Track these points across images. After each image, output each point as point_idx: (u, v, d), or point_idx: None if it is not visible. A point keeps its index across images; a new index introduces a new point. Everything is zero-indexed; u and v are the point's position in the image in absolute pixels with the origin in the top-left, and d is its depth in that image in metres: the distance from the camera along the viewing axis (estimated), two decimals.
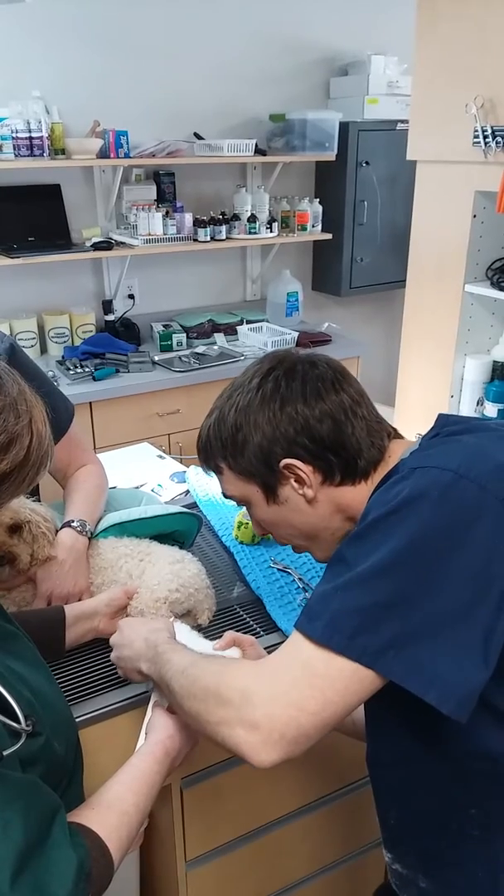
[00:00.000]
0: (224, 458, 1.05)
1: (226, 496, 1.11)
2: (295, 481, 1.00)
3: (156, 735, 1.02)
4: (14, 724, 0.77)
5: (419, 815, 0.99)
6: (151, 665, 1.04)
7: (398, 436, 1.05)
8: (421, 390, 2.77)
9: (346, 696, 0.80)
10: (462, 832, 0.94)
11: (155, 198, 3.36)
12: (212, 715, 0.87)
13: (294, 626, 0.85)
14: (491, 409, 2.59)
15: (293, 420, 0.98)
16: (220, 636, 1.29)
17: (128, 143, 3.06)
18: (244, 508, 1.66)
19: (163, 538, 1.48)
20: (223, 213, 3.41)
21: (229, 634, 1.16)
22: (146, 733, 1.04)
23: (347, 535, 1.01)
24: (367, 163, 3.63)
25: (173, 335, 3.38)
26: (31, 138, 2.85)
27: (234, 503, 1.12)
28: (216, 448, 1.05)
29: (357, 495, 0.99)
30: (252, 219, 3.43)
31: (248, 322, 3.58)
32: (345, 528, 1.03)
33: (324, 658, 0.80)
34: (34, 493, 1.62)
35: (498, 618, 0.78)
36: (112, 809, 0.88)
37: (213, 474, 1.11)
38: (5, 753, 0.74)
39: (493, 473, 0.81)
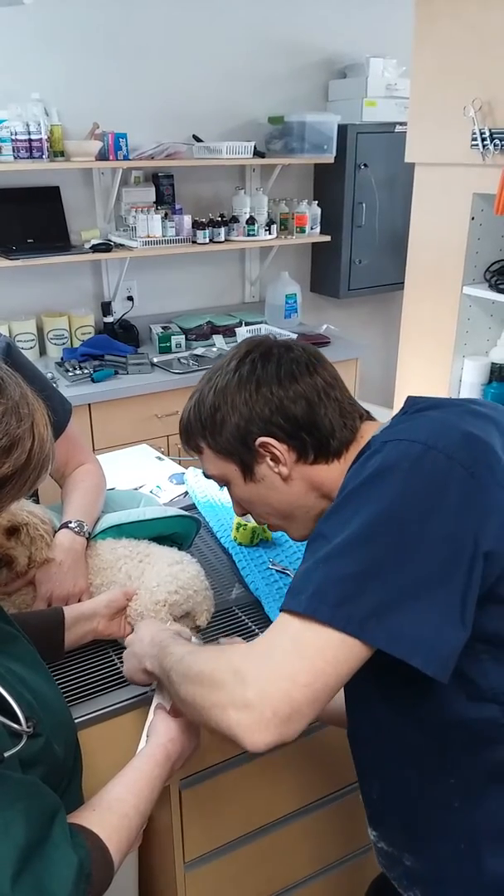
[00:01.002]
0: (203, 438, 1.09)
1: (206, 475, 1.15)
2: (270, 460, 1.05)
3: (157, 738, 1.02)
4: (15, 726, 0.77)
5: (400, 788, 1.00)
6: (154, 660, 1.05)
7: (370, 418, 1.10)
8: (419, 392, 2.77)
9: (336, 665, 0.81)
10: (443, 803, 0.95)
11: (154, 200, 3.37)
12: (206, 699, 0.88)
13: (280, 608, 0.86)
14: None
15: (268, 400, 1.02)
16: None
17: (127, 146, 3.07)
18: None
19: (161, 539, 1.48)
20: (222, 216, 3.42)
21: None
22: (147, 736, 1.04)
23: (322, 514, 1.03)
24: (365, 165, 3.63)
25: (172, 337, 3.39)
26: (30, 140, 2.85)
27: (216, 483, 1.15)
28: (196, 428, 1.10)
29: (330, 474, 1.04)
30: (251, 221, 3.43)
31: (247, 324, 3.59)
32: (319, 507, 1.07)
33: (311, 629, 0.81)
34: (33, 495, 1.62)
35: (470, 579, 0.81)
36: (112, 811, 0.88)
37: (194, 455, 1.15)
38: (6, 755, 0.74)
39: (458, 444, 0.85)
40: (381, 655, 0.80)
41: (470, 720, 0.89)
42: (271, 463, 1.05)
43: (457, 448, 0.85)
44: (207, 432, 1.08)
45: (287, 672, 0.81)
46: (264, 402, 1.02)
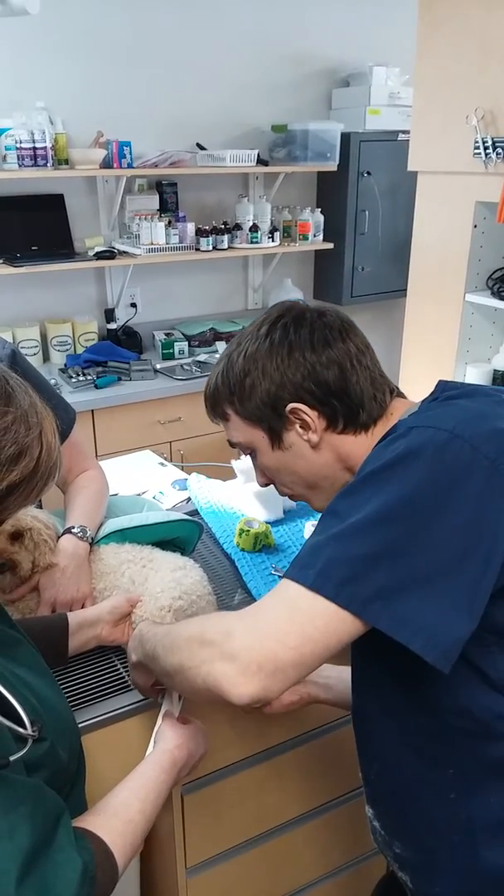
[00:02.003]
0: (231, 404, 1.07)
1: (231, 444, 1.13)
2: (300, 426, 1.03)
3: (164, 744, 1.02)
4: (20, 730, 0.77)
5: (398, 772, 1.00)
6: (138, 649, 1.06)
7: (401, 395, 1.08)
8: (422, 398, 2.78)
9: (326, 633, 0.81)
10: (440, 794, 0.95)
11: (157, 207, 3.38)
12: (194, 658, 0.89)
13: (283, 575, 0.87)
14: None
15: (300, 366, 1.01)
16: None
17: (131, 154, 3.08)
18: (245, 516, 1.68)
19: (164, 544, 1.49)
20: (225, 223, 3.43)
21: None
22: (155, 742, 1.05)
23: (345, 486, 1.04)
24: (368, 173, 3.65)
25: (175, 343, 3.40)
26: (34, 149, 2.87)
27: (240, 451, 1.14)
28: (224, 394, 1.08)
29: (357, 446, 1.03)
30: (254, 228, 3.45)
31: None
32: (343, 479, 1.06)
33: (309, 598, 0.82)
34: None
35: (484, 573, 0.81)
36: (118, 816, 0.88)
37: (219, 422, 1.13)
38: (11, 759, 0.75)
39: (486, 435, 0.84)
40: (389, 639, 0.80)
41: (476, 709, 0.89)
42: (300, 430, 1.03)
43: (483, 439, 0.84)
44: (236, 398, 1.06)
45: (276, 633, 0.82)
46: (296, 368, 1.00)
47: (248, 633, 0.84)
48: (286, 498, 1.22)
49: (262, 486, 1.16)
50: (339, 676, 1.22)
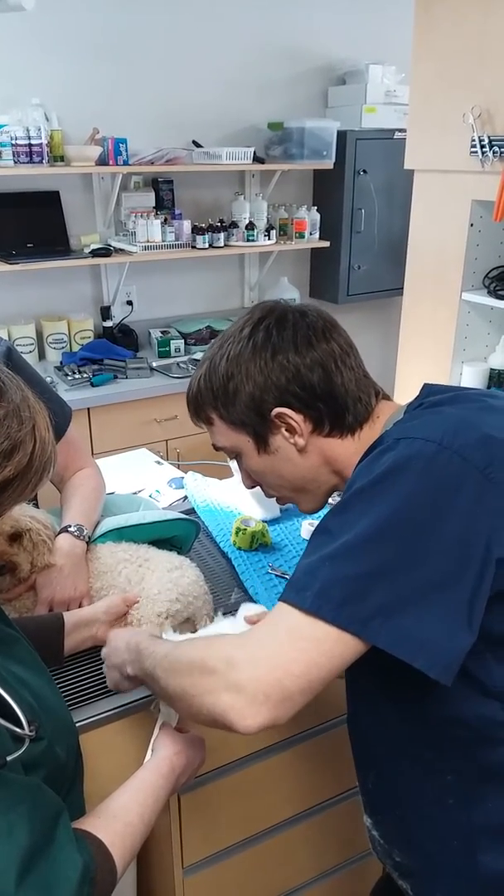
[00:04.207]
0: (215, 409, 1.06)
1: (216, 448, 1.12)
2: (286, 430, 1.02)
3: (163, 750, 1.03)
4: (17, 730, 0.77)
5: (395, 780, 1.00)
6: (135, 664, 1.05)
7: (386, 397, 1.07)
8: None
9: (331, 658, 0.81)
10: (438, 801, 0.95)
11: (153, 205, 3.38)
12: (197, 687, 0.88)
13: (279, 598, 0.86)
14: None
15: (285, 368, 0.99)
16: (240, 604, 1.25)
17: (126, 151, 3.08)
18: (241, 515, 1.68)
19: (160, 543, 1.48)
20: (221, 221, 3.43)
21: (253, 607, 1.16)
22: (153, 750, 1.04)
23: (333, 489, 1.05)
24: (364, 171, 3.64)
25: (171, 341, 3.39)
26: (30, 145, 2.86)
27: (227, 455, 1.13)
28: (207, 398, 1.06)
29: (344, 449, 1.02)
30: (250, 226, 3.44)
31: None
32: (331, 482, 1.06)
33: (310, 623, 0.81)
34: (32, 499, 1.62)
35: (480, 584, 0.80)
36: (117, 818, 0.88)
37: (203, 426, 1.11)
38: (8, 759, 0.74)
39: (474, 444, 0.84)
40: (386, 654, 0.80)
41: (471, 717, 0.89)
42: (286, 434, 1.02)
43: (472, 449, 0.83)
44: (220, 403, 1.04)
45: (281, 661, 0.82)
46: (280, 371, 0.99)
47: (251, 664, 0.83)
48: None
49: (248, 488, 1.16)
50: None
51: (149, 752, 1.05)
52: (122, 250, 3.23)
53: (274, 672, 0.81)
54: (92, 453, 2.75)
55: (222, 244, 3.39)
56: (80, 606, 1.32)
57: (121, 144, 3.05)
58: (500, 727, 0.89)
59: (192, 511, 1.80)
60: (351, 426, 1.02)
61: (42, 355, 3.33)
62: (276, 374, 0.99)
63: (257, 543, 1.60)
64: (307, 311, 1.04)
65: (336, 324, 1.05)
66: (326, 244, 3.71)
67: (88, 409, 2.93)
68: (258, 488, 1.15)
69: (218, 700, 0.84)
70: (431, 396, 0.98)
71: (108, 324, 3.44)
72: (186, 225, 3.28)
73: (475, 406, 0.94)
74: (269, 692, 0.81)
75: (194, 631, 1.31)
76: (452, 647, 0.79)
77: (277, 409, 1.00)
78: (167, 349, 3.38)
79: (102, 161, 3.06)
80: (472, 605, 0.80)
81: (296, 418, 1.00)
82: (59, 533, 1.39)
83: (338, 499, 0.92)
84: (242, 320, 1.05)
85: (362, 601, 0.80)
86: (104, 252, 3.16)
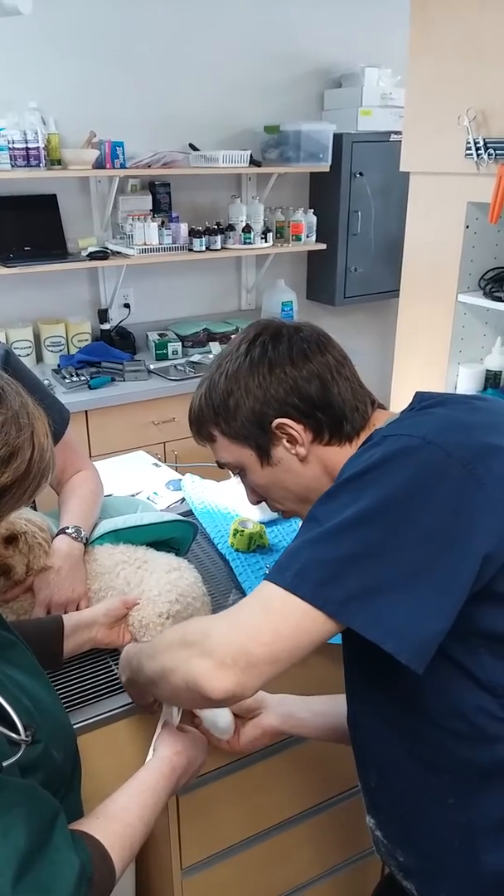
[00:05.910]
0: (217, 425, 1.08)
1: (220, 465, 1.15)
2: (287, 441, 1.05)
3: (163, 750, 1.03)
4: (13, 735, 0.77)
5: (397, 779, 1.01)
6: (126, 667, 1.09)
7: (381, 406, 1.10)
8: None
9: (297, 631, 0.84)
10: (438, 799, 0.96)
11: (150, 208, 3.38)
12: (175, 660, 0.91)
13: (264, 578, 0.89)
14: None
15: (282, 381, 1.02)
16: None
17: (123, 154, 3.08)
18: (239, 516, 1.68)
19: (158, 545, 1.49)
20: (218, 224, 3.43)
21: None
22: (154, 749, 1.05)
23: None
24: (360, 174, 3.65)
25: (169, 344, 3.40)
26: (27, 149, 2.86)
27: (230, 472, 1.15)
28: (208, 416, 1.09)
29: (343, 457, 1.03)
30: (247, 229, 3.45)
31: None
32: None
33: (284, 597, 0.84)
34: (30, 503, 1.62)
35: (457, 574, 0.82)
36: (116, 820, 0.88)
37: (206, 444, 1.14)
38: (4, 764, 0.74)
39: (458, 441, 0.86)
40: (368, 641, 0.81)
41: (469, 712, 0.90)
42: (288, 444, 1.05)
43: (456, 445, 0.85)
44: (221, 419, 1.07)
45: (250, 630, 0.85)
46: (278, 383, 1.02)
47: (224, 631, 0.87)
48: None
49: (253, 503, 1.18)
50: (305, 706, 1.23)
51: (150, 750, 1.05)
52: (119, 253, 3.23)
53: (240, 638, 0.85)
54: (90, 455, 2.76)
55: (219, 247, 3.40)
56: (78, 608, 1.32)
57: (118, 148, 3.06)
58: (496, 722, 0.90)
59: (189, 513, 1.80)
60: (349, 434, 1.05)
61: (40, 358, 3.33)
62: (275, 388, 1.02)
63: (255, 545, 1.61)
64: (301, 327, 1.07)
65: (329, 338, 1.08)
66: (323, 247, 3.72)
67: (86, 411, 2.93)
68: None
69: (190, 666, 0.87)
70: (423, 402, 1.01)
71: (106, 326, 3.44)
72: (183, 228, 3.29)
73: (462, 407, 0.97)
74: (236, 657, 0.84)
75: None
76: (423, 633, 0.81)
77: (278, 420, 1.03)
78: (164, 352, 3.38)
79: (99, 164, 3.07)
80: (448, 593, 0.82)
81: (296, 428, 1.03)
82: (57, 535, 1.39)
83: None
84: (238, 339, 1.08)
85: (340, 583, 0.82)
86: (101, 255, 3.16)
